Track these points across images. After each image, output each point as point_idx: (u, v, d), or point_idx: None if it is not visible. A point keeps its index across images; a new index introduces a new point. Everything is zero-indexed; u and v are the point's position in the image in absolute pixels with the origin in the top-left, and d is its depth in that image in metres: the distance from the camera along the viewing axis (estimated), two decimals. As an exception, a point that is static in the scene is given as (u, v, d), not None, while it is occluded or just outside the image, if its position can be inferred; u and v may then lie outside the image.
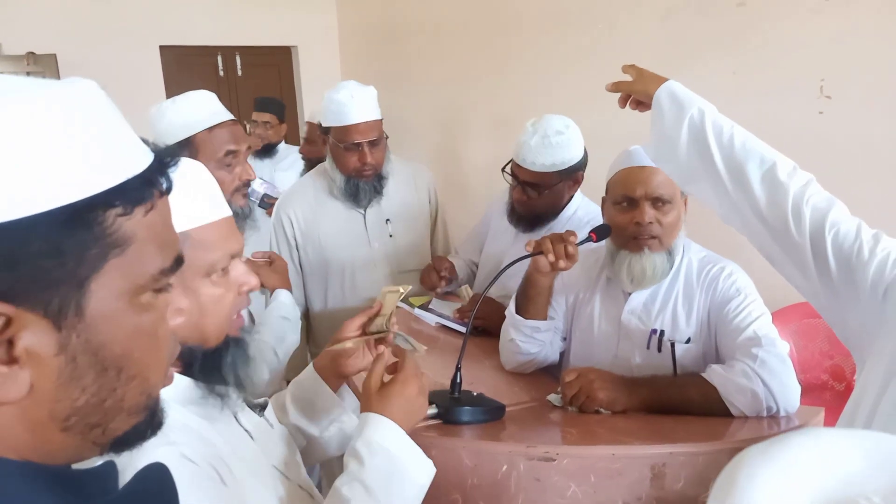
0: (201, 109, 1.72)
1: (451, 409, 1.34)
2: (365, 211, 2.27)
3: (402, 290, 1.22)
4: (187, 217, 0.94)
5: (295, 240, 2.25)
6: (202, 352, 0.97)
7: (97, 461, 0.55)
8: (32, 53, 4.31)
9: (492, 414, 1.37)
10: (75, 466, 0.54)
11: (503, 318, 1.73)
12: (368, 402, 1.09)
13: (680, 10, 2.85)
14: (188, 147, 1.64)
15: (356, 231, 2.27)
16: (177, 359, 0.96)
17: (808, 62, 2.55)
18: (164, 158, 0.55)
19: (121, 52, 4.68)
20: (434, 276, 2.16)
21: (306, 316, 2.33)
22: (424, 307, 2.01)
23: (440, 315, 1.97)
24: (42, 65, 4.33)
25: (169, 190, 0.55)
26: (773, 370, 1.36)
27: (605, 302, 1.66)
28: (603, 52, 3.22)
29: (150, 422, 0.56)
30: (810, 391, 2.42)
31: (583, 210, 2.06)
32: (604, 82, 1.46)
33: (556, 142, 1.91)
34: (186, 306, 0.60)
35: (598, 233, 1.58)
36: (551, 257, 1.50)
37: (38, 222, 0.44)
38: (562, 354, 1.74)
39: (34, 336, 0.46)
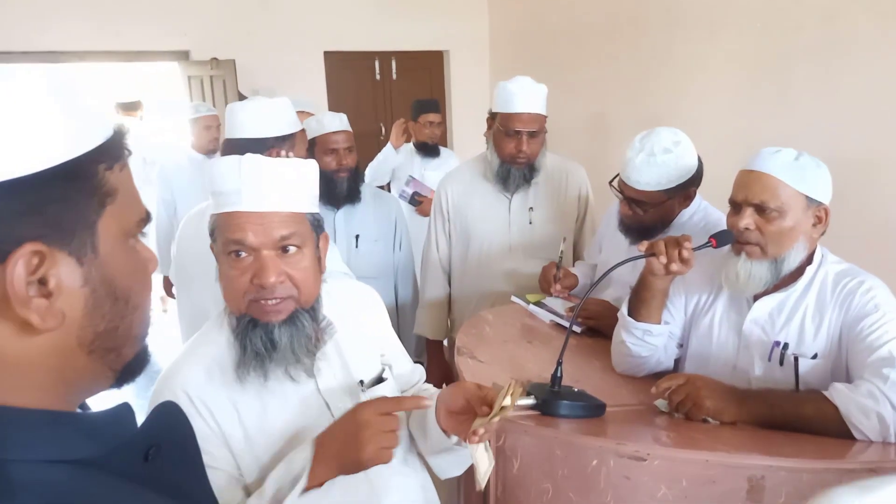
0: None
1: (550, 402, 1.36)
2: (511, 196, 2.40)
3: (505, 406, 1.04)
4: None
5: (448, 212, 2.49)
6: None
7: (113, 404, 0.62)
8: (216, 59, 4.82)
9: (590, 410, 1.38)
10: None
11: (616, 320, 1.72)
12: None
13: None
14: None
15: (500, 214, 2.41)
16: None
17: None
18: (122, 129, 0.63)
19: (290, 57, 5.12)
20: (551, 277, 2.16)
21: (448, 281, 2.56)
22: (539, 304, 2.04)
23: (553, 313, 1.98)
24: (223, 69, 4.83)
25: (129, 154, 0.63)
26: (905, 394, 1.24)
27: (727, 309, 1.59)
28: (756, 56, 3.05)
29: (145, 353, 0.65)
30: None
31: (699, 216, 1.96)
32: (762, 84, 1.40)
33: (663, 160, 1.81)
34: (153, 257, 0.65)
35: (719, 238, 1.52)
36: (664, 259, 1.48)
37: (52, 175, 0.53)
38: (677, 361, 1.69)
39: (63, 271, 0.54)
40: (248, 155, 1.12)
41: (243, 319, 1.10)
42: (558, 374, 1.41)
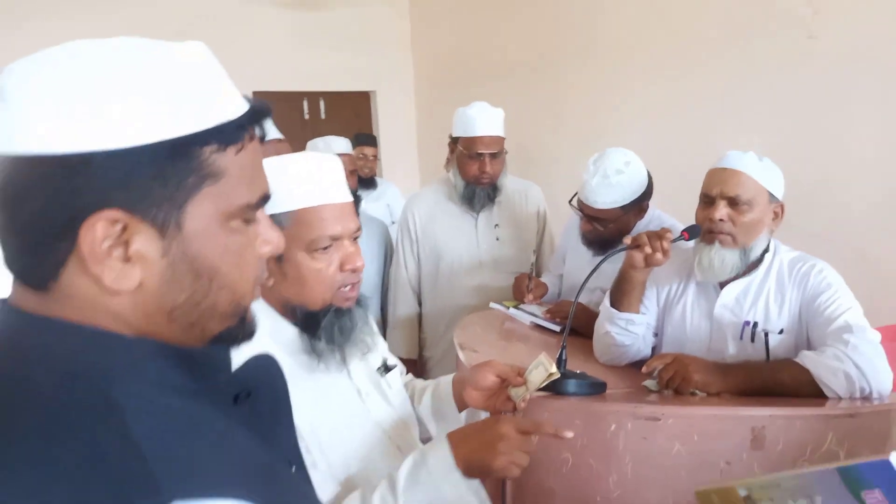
0: None
1: (558, 381, 1.45)
2: (477, 215, 2.54)
3: (552, 372, 1.18)
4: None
5: (416, 234, 2.59)
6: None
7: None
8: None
9: (595, 388, 1.48)
10: None
11: (591, 319, 1.86)
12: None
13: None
14: None
15: (467, 232, 2.54)
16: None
17: None
18: (262, 111, 0.64)
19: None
20: (524, 286, 2.30)
21: (419, 302, 2.62)
22: (517, 308, 2.15)
23: (532, 314, 2.10)
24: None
25: (262, 138, 0.64)
26: (864, 354, 1.43)
27: (697, 297, 1.76)
28: (663, 79, 3.36)
29: (241, 326, 0.66)
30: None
31: (655, 224, 2.14)
32: (670, 105, 1.58)
33: (616, 181, 2.01)
34: (275, 239, 0.67)
35: (691, 232, 1.69)
36: (648, 250, 1.63)
37: (148, 151, 0.54)
38: (653, 349, 1.84)
39: (144, 241, 0.56)
40: (308, 153, 1.19)
41: (328, 310, 1.15)
42: (563, 357, 1.52)
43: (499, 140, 2.45)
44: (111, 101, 0.54)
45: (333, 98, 5.91)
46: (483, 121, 2.42)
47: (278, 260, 1.13)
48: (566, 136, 4.23)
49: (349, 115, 6.05)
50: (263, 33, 5.38)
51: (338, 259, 1.14)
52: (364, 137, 4.28)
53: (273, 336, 1.15)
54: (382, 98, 6.08)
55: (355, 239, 1.18)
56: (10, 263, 0.58)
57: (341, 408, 1.20)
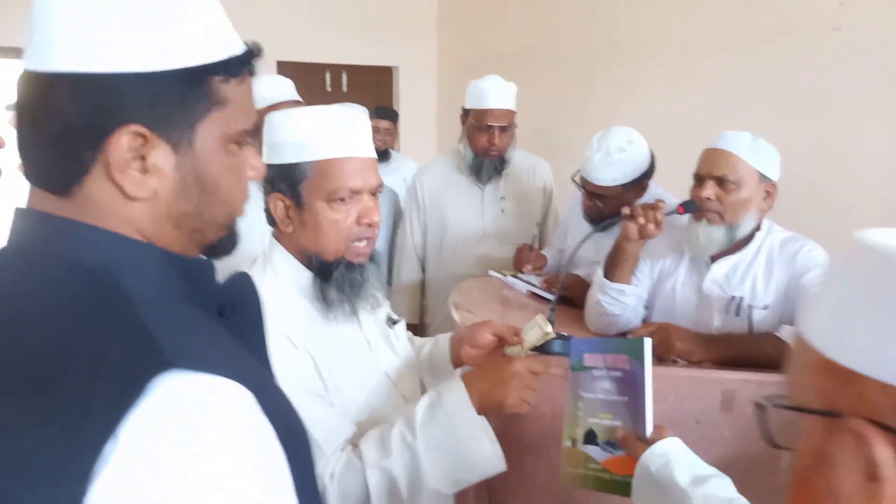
0: (272, 88, 2.16)
1: (546, 342, 1.51)
2: (484, 187, 2.60)
3: (548, 332, 1.27)
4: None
5: (423, 203, 2.66)
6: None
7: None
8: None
9: (580, 349, 1.54)
10: None
11: (585, 290, 1.92)
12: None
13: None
14: None
15: (473, 203, 2.60)
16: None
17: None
18: (256, 51, 0.72)
19: (243, 63, 5.17)
20: (525, 256, 2.36)
21: (423, 269, 2.71)
22: (515, 276, 2.21)
23: (529, 283, 2.16)
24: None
25: (252, 74, 0.72)
26: (844, 330, 1.47)
27: (688, 272, 1.81)
28: (685, 76, 3.37)
29: (230, 237, 0.75)
30: None
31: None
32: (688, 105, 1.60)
33: (618, 159, 2.03)
34: (258, 165, 0.74)
35: (686, 206, 1.74)
36: (641, 220, 1.68)
37: (170, 76, 0.62)
38: (644, 321, 1.89)
39: (160, 155, 0.64)
40: (337, 106, 1.22)
41: (340, 263, 1.19)
42: (551, 320, 1.57)
43: (509, 114, 2.49)
44: (138, 28, 0.62)
45: (356, 71, 5.96)
46: (495, 94, 2.46)
47: (299, 207, 1.17)
48: (583, 123, 4.25)
49: (371, 89, 6.09)
50: (289, 4, 5.45)
51: (356, 212, 1.18)
52: (381, 110, 4.33)
53: (293, 282, 1.21)
54: (404, 74, 6.12)
55: (374, 195, 1.21)
56: (34, 172, 0.66)
57: (354, 355, 1.26)
